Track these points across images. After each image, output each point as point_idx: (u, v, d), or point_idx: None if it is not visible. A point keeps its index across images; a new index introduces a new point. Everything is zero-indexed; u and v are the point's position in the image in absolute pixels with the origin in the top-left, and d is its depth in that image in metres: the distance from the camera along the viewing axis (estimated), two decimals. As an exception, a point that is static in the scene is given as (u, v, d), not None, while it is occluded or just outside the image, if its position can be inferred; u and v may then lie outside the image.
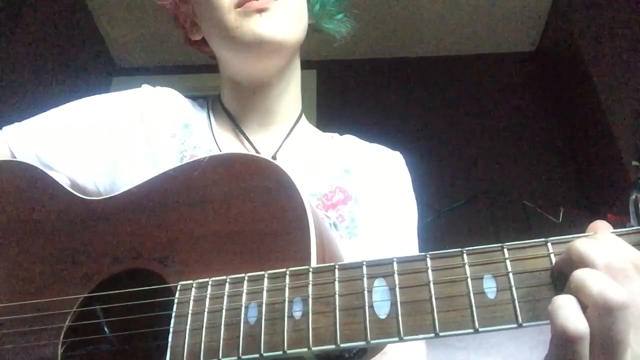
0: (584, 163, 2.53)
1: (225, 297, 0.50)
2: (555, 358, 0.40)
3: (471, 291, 0.43)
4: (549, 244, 0.44)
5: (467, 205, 2.40)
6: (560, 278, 0.42)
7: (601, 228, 0.44)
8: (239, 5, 0.78)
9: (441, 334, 0.43)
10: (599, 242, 0.42)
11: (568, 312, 0.39)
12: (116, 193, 0.67)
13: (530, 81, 2.85)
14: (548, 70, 2.82)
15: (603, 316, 0.38)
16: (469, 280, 0.44)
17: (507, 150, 2.63)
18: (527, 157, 2.61)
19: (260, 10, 0.77)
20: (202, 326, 0.49)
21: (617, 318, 0.38)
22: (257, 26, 0.77)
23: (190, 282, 0.52)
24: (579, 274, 0.40)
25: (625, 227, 0.44)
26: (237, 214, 0.56)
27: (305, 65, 0.94)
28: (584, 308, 0.39)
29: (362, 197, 0.83)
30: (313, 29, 0.92)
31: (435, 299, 0.44)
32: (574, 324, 0.38)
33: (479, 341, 2.04)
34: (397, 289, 0.45)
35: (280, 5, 0.78)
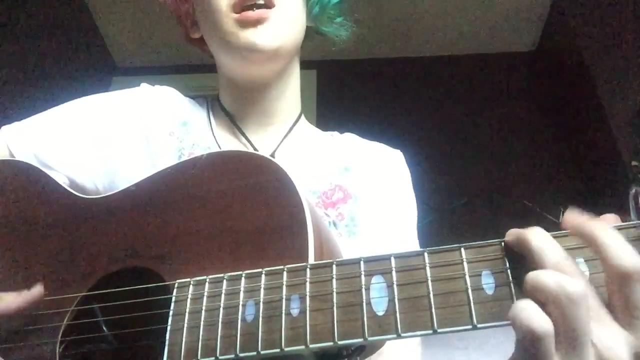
0: (583, 163, 2.53)
1: (223, 295, 0.49)
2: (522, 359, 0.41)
3: (469, 287, 0.43)
4: (547, 240, 0.44)
5: (467, 205, 2.39)
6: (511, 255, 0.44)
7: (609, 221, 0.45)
8: (236, 11, 0.77)
9: (439, 330, 0.42)
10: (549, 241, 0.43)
11: (531, 312, 0.39)
12: (114, 191, 0.67)
13: (530, 81, 2.85)
14: (548, 70, 2.81)
15: (566, 308, 0.39)
16: (467, 276, 0.44)
17: (507, 150, 2.63)
18: (527, 157, 2.61)
19: (257, 22, 0.77)
20: (200, 324, 0.49)
21: (579, 307, 0.39)
22: (252, 36, 0.77)
23: (188, 280, 0.52)
24: (532, 276, 0.41)
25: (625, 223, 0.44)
26: (234, 211, 0.56)
27: (305, 65, 0.94)
28: (542, 307, 0.40)
29: (362, 195, 0.83)
30: (313, 31, 0.92)
31: (433, 295, 0.44)
32: (539, 322, 0.39)
33: (479, 341, 2.04)
34: (395, 285, 0.45)
35: (277, 13, 0.78)
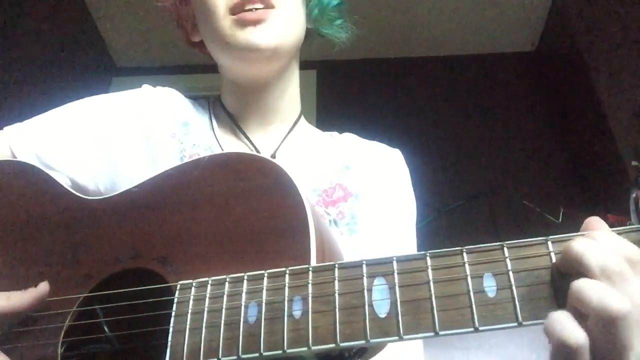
0: (584, 163, 2.53)
1: (225, 297, 0.50)
2: None
3: (471, 290, 0.43)
4: (549, 242, 0.44)
5: (467, 205, 2.39)
6: (560, 278, 0.43)
7: (595, 225, 0.45)
8: (233, 12, 0.78)
9: (441, 332, 0.43)
10: (596, 242, 0.42)
11: (565, 325, 0.39)
12: (116, 193, 0.67)
13: (530, 81, 2.85)
14: (548, 70, 2.82)
15: (606, 325, 0.38)
16: (469, 278, 0.44)
17: (506, 150, 2.63)
18: (527, 157, 2.61)
19: (255, 23, 0.77)
20: (202, 325, 0.49)
21: (619, 326, 0.38)
22: (251, 36, 0.77)
23: (190, 281, 0.52)
24: (577, 285, 0.40)
25: (625, 226, 0.44)
26: (236, 213, 0.56)
27: (305, 65, 0.95)
28: (585, 319, 0.40)
29: (362, 193, 0.84)
30: (314, 33, 0.93)
31: (435, 297, 0.44)
32: (573, 335, 0.39)
33: (479, 341, 2.04)
34: (397, 287, 0.45)
35: (275, 14, 0.78)
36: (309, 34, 0.91)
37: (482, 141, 2.66)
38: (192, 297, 0.51)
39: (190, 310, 0.50)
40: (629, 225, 0.44)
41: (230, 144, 0.86)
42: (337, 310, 0.45)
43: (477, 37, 2.85)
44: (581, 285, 0.40)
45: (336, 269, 0.47)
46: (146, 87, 0.90)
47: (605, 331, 0.38)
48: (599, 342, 0.39)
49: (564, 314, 0.40)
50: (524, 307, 0.42)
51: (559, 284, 0.42)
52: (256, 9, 0.77)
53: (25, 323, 0.59)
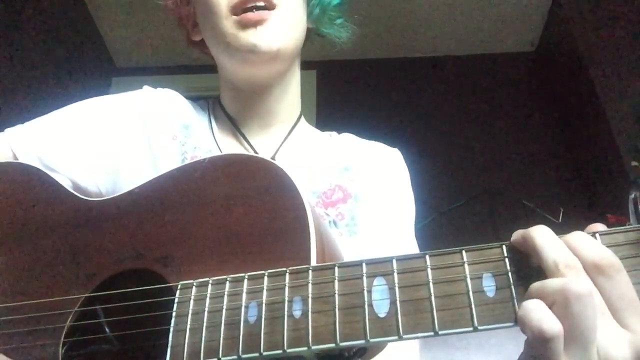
0: (583, 163, 2.53)
1: (226, 297, 0.50)
2: (532, 358, 0.41)
3: (470, 290, 0.43)
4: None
5: (467, 205, 2.40)
6: (515, 259, 0.44)
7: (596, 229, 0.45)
8: (235, 12, 0.78)
9: (440, 332, 0.43)
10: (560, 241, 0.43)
11: (542, 314, 0.40)
12: (117, 194, 0.67)
13: (530, 81, 2.85)
14: (548, 70, 2.82)
15: (572, 307, 0.39)
16: (468, 278, 0.44)
17: (506, 150, 2.63)
18: (526, 157, 2.61)
19: (257, 24, 0.77)
20: (202, 325, 0.49)
21: (586, 306, 0.39)
22: (253, 38, 0.77)
23: (191, 281, 0.52)
24: (537, 285, 0.41)
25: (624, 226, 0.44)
26: (237, 214, 0.57)
27: (305, 65, 0.95)
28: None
29: (361, 195, 0.84)
30: (314, 33, 0.93)
31: (435, 297, 0.44)
32: (550, 324, 0.39)
33: (478, 341, 2.04)
34: (397, 287, 0.45)
35: (276, 15, 0.78)
36: (310, 34, 0.91)
37: (483, 141, 2.66)
38: (192, 297, 0.51)
39: (190, 310, 0.50)
40: (628, 226, 0.44)
41: (230, 147, 0.86)
42: (337, 310, 0.46)
43: (477, 37, 2.85)
44: (541, 283, 0.41)
45: (336, 269, 0.48)
46: (147, 89, 0.90)
47: (572, 314, 0.39)
48: (567, 328, 0.40)
49: (539, 303, 0.40)
50: (523, 307, 0.42)
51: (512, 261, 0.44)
52: (257, 7, 0.77)
53: (27, 323, 0.59)
